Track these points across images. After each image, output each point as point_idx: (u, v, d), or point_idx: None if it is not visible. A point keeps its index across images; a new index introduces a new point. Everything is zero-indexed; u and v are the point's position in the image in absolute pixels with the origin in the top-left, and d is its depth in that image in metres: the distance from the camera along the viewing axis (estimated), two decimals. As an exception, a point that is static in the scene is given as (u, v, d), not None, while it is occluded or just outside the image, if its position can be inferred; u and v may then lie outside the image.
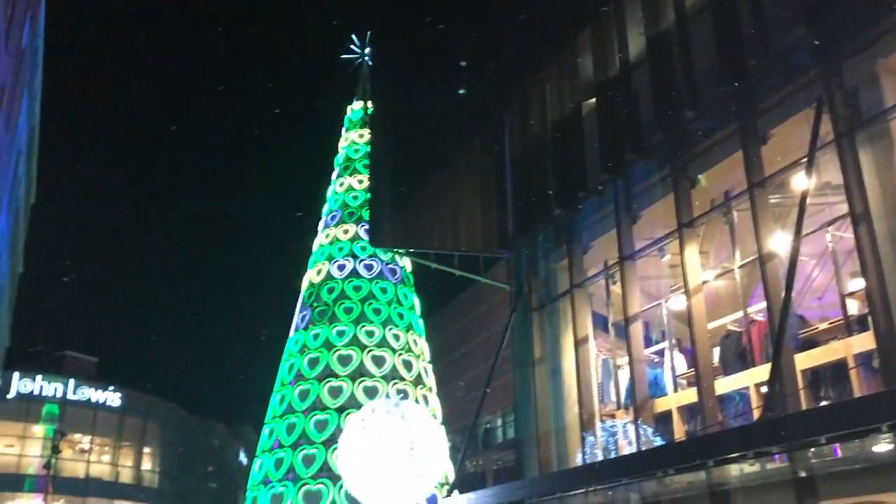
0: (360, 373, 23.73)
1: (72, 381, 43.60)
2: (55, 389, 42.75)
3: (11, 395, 40.72)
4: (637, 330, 14.28)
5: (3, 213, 18.87)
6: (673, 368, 14.25)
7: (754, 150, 12.24)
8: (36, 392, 42.15)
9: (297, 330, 25.85)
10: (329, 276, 25.84)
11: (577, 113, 16.31)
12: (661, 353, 15.26)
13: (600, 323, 16.36)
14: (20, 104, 18.27)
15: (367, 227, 23.81)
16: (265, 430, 24.60)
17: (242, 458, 70.24)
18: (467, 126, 20.26)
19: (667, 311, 15.07)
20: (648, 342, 15.63)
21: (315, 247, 27.45)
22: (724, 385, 12.61)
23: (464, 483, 22.73)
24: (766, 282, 11.62)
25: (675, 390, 13.95)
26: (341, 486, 20.58)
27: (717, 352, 13.31)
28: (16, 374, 41.17)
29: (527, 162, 18.03)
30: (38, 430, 42.48)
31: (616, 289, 15.04)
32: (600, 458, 14.07)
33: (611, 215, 15.15)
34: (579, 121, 16.20)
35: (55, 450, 33.91)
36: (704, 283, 13.35)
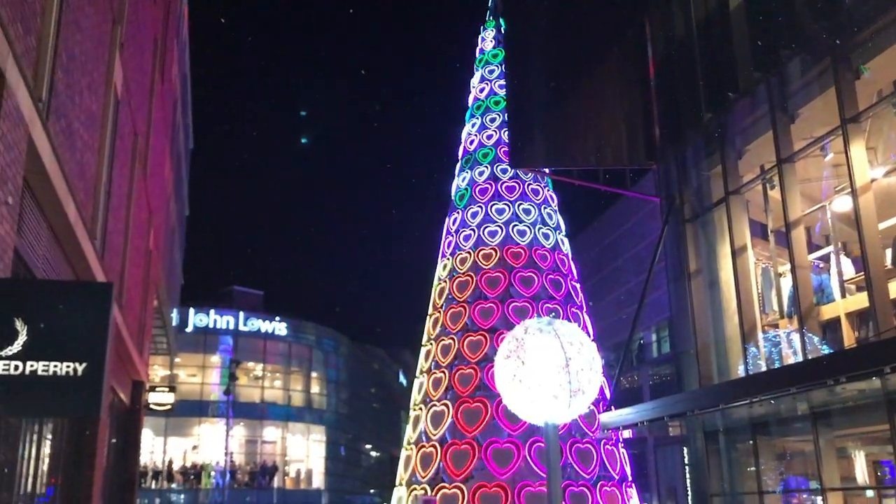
0: (509, 294, 23.92)
1: (241, 314, 46.56)
2: (227, 322, 45.82)
3: (189, 329, 44.05)
4: (799, 235, 13.58)
5: (165, 160, 20.06)
6: (840, 273, 13.53)
7: (928, 31, 11.14)
8: (210, 325, 45.35)
9: (443, 256, 26.31)
10: (472, 201, 26.00)
11: (724, 9, 15.35)
12: (825, 258, 14.50)
13: (758, 230, 15.69)
14: (172, 53, 19.17)
15: (506, 148, 23.64)
16: (422, 352, 25.42)
17: (402, 379, 73.35)
18: (606, 33, 19.47)
19: (831, 213, 14.25)
20: (811, 247, 14.87)
21: (456, 171, 27.64)
22: (899, 288, 11.86)
23: (620, 399, 22.73)
24: (945, 175, 10.70)
25: (843, 296, 13.27)
26: (499, 404, 21.07)
27: (889, 253, 12.51)
28: (191, 310, 44.40)
29: (672, 66, 17.22)
30: (216, 359, 45.86)
31: (774, 194, 14.31)
32: (764, 368, 13.68)
33: (765, 116, 14.32)
34: (726, 18, 15.25)
35: (232, 377, 36.59)
36: (873, 181, 12.45)
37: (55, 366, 4.81)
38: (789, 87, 13.90)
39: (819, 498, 13.05)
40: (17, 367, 4.73)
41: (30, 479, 8.12)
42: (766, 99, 14.20)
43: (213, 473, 40.98)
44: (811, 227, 15.23)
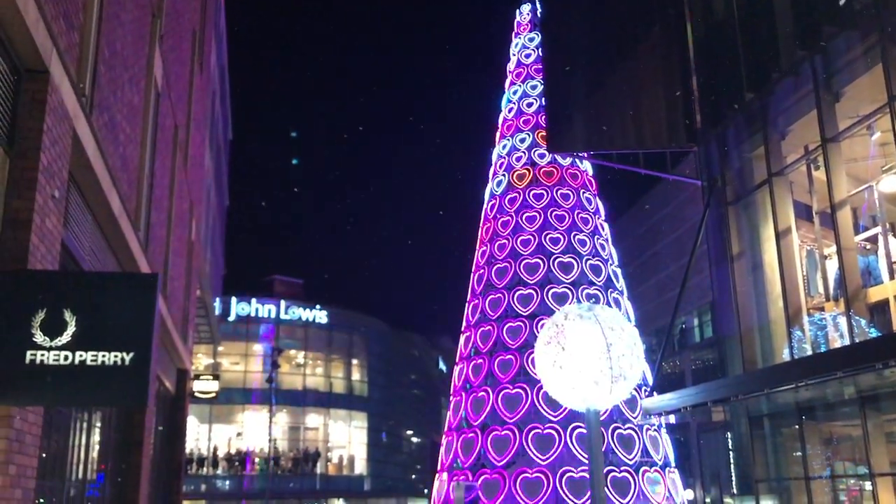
0: (548, 280, 23.83)
1: (282, 302, 46.97)
2: (269, 311, 46.27)
3: (231, 318, 44.58)
4: (845, 216, 13.30)
5: (205, 151, 20.27)
6: (888, 255, 13.24)
7: (980, 3, 10.79)
8: (252, 314, 45.83)
9: (482, 242, 26.29)
10: (510, 186, 25.91)
11: (766, -13, 15.04)
12: (873, 239, 14.20)
13: (803, 212, 15.41)
14: (210, 45, 19.34)
15: (544, 133, 23.48)
16: (461, 339, 25.47)
17: (442, 366, 73.56)
18: (645, 13, 19.20)
19: (878, 193, 13.94)
20: (858, 228, 14.57)
21: (493, 158, 27.54)
22: (950, 269, 11.57)
23: (662, 384, 22.54)
24: None
25: (892, 278, 12.99)
26: (540, 390, 21.04)
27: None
28: (233, 299, 44.92)
29: (712, 46, 16.93)
30: (258, 348, 46.37)
31: (819, 174, 14.03)
32: (809, 352, 13.46)
33: (809, 96, 14.01)
34: (768, -5, 14.95)
35: (274, 365, 36.99)
36: (922, 159, 12.16)
37: (103, 356, 4.91)
38: (834, 64, 13.58)
39: (868, 483, 12.84)
40: (66, 357, 4.84)
41: (80, 466, 8.30)
42: (810, 77, 13.89)
43: (256, 460, 41.59)
44: (857, 207, 14.91)
